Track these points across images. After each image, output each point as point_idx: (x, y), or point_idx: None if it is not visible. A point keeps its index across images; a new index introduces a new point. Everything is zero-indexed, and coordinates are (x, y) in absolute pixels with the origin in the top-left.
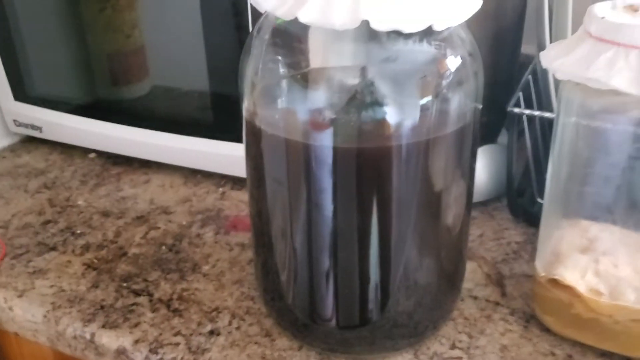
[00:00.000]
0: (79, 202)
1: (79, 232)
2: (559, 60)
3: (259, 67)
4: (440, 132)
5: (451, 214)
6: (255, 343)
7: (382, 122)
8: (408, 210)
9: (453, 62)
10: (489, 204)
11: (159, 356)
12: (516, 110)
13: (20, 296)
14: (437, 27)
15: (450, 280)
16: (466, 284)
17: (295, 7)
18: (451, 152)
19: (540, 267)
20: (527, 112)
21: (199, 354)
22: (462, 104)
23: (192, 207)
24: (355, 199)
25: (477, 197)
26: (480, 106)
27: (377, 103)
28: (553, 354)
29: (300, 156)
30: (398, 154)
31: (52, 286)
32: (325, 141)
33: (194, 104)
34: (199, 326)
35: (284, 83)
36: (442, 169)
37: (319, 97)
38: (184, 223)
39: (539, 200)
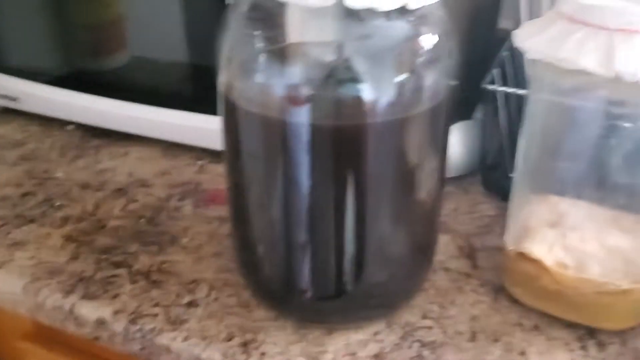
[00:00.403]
0: (58, 175)
1: (58, 204)
2: (531, 39)
3: (236, 41)
4: (415, 109)
5: (425, 188)
6: (233, 314)
7: (358, 99)
8: (382, 186)
9: (428, 40)
10: (464, 179)
11: (138, 326)
12: (490, 87)
13: None
14: (412, 6)
15: (422, 252)
16: (439, 256)
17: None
18: (426, 129)
19: (510, 240)
20: (501, 89)
21: (178, 325)
22: (437, 82)
23: (170, 180)
24: (331, 174)
25: (452, 172)
26: (455, 83)
27: (354, 80)
28: (521, 324)
29: (276, 132)
30: (374, 131)
31: (31, 258)
32: (301, 118)
33: (173, 75)
34: (177, 297)
35: (261, 58)
36: (417, 145)
37: (296, 73)
38: (163, 196)
39: (512, 175)
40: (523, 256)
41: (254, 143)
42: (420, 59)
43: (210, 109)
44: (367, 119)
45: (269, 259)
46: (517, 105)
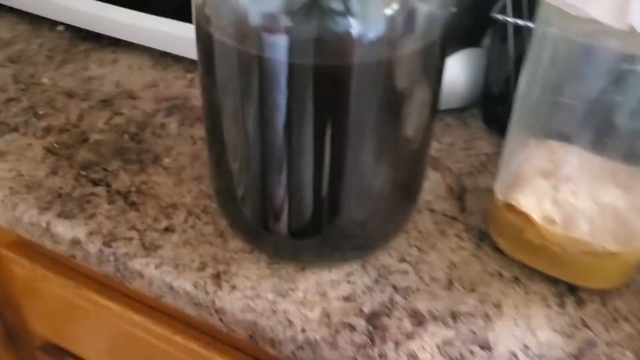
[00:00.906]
0: (44, 80)
1: (41, 113)
2: None
3: None
4: (407, 46)
5: (411, 127)
6: (208, 242)
7: (343, 35)
8: (364, 126)
9: None
10: (466, 111)
11: (112, 250)
12: (500, 17)
13: None
14: None
15: (406, 193)
16: (426, 196)
17: None
18: (417, 68)
19: (499, 189)
20: (511, 19)
21: (152, 250)
22: (431, 14)
23: (158, 93)
24: (310, 115)
25: (454, 103)
26: (454, 10)
27: (339, 12)
28: (500, 275)
29: (252, 69)
30: (359, 72)
31: (10, 170)
32: (278, 54)
33: None
34: (154, 222)
35: None
36: (406, 86)
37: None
38: (149, 110)
39: None
40: (510, 207)
41: (228, 77)
42: None
43: None
44: (352, 58)
45: (243, 193)
46: (528, 36)
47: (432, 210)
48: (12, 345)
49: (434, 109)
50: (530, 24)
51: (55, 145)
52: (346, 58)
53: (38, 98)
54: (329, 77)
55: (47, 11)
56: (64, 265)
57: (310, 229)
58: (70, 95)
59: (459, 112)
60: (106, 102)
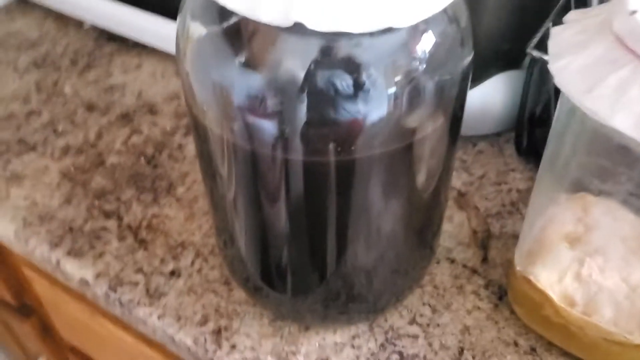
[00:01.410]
0: (66, 90)
1: (60, 129)
2: (564, 58)
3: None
4: (423, 123)
5: (427, 177)
6: (213, 291)
7: (351, 122)
8: (372, 189)
9: (428, 42)
10: (502, 135)
11: (117, 295)
12: (535, 53)
13: None
14: (399, 25)
15: (421, 248)
16: (448, 242)
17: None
18: (438, 135)
19: (518, 257)
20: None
21: (156, 299)
22: (443, 82)
23: (179, 107)
24: (309, 199)
25: (489, 128)
26: (472, 55)
27: (343, 93)
28: (516, 344)
29: (240, 160)
30: (365, 165)
31: (26, 198)
32: (267, 148)
33: None
34: (161, 263)
35: (215, 38)
36: (417, 170)
37: (259, 78)
38: (168, 129)
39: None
40: (529, 281)
41: (218, 163)
42: (419, 65)
43: None
44: (357, 152)
45: (245, 253)
46: None
47: (451, 261)
48: (48, 339)
49: (451, 157)
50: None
51: (72, 169)
52: (347, 152)
53: (59, 111)
54: (329, 171)
55: (74, 10)
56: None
57: (313, 291)
58: (90, 107)
59: (494, 136)
60: (126, 118)
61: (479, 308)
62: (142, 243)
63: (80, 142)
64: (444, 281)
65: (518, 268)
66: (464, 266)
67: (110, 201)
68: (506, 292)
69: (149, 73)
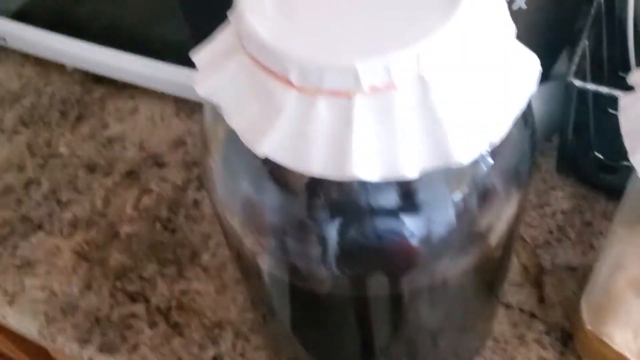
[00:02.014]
0: (61, 149)
1: (64, 199)
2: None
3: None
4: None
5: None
6: None
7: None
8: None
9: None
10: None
11: None
12: (578, 84)
13: (11, 302)
14: (459, 161)
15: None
16: None
17: (259, 131)
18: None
19: (587, 312)
20: (591, 87)
21: None
22: (513, 171)
23: (186, 154)
24: (358, 323)
25: None
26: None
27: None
28: None
29: (280, 291)
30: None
31: (43, 288)
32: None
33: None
34: (200, 350)
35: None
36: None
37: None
38: (179, 183)
39: (596, 153)
40: (603, 341)
41: (255, 287)
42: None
43: None
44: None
45: (288, 351)
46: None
47: (507, 306)
48: None
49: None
50: (614, 93)
51: (85, 246)
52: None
53: (58, 176)
54: (381, 307)
55: (55, 56)
56: None
57: None
58: (91, 168)
59: None
60: (131, 175)
61: (544, 359)
62: (176, 327)
63: (88, 211)
64: (503, 332)
65: (589, 327)
66: (521, 310)
67: (133, 280)
68: (569, 335)
69: (146, 117)
